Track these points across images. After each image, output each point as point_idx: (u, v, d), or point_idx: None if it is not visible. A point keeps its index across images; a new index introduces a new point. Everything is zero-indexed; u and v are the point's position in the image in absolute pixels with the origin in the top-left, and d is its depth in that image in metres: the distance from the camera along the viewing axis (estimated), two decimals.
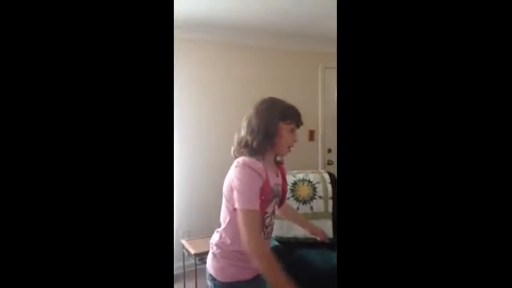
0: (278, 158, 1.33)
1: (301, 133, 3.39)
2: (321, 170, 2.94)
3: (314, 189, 2.43)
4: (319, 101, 3.46)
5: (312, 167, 3.30)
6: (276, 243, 2.03)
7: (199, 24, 2.76)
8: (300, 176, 2.51)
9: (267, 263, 1.10)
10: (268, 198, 1.19)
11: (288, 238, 2.29)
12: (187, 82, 2.91)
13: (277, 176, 1.28)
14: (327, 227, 2.31)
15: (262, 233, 1.20)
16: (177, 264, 2.85)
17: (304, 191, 2.43)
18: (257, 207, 1.12)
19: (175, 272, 2.84)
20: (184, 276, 2.66)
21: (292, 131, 1.22)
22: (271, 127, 1.18)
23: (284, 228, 2.27)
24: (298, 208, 2.36)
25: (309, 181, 2.47)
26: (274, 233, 1.96)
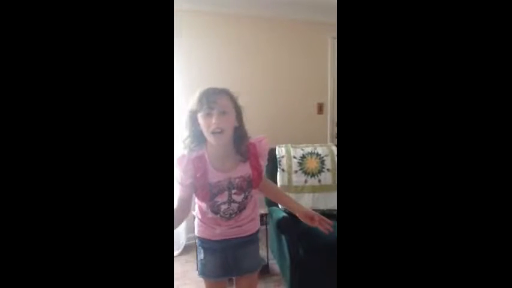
0: (245, 148, 1.27)
1: (310, 106, 3.40)
2: (329, 143, 2.94)
3: (322, 162, 2.45)
4: (328, 73, 3.40)
5: (320, 140, 3.30)
6: (284, 214, 2.07)
7: None
8: (308, 149, 2.53)
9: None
10: (206, 193, 1.24)
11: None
12: (189, 56, 2.89)
13: (233, 169, 1.25)
14: (335, 199, 2.35)
15: (219, 216, 1.31)
16: (189, 235, 2.95)
17: (312, 164, 2.45)
18: (183, 194, 1.26)
19: (187, 243, 2.95)
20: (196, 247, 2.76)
21: (206, 116, 1.16)
22: (190, 121, 1.22)
23: None
24: (306, 181, 2.39)
25: (317, 154, 2.48)
26: (282, 206, 2.01)
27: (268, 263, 2.55)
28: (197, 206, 1.38)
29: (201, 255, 1.39)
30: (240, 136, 1.25)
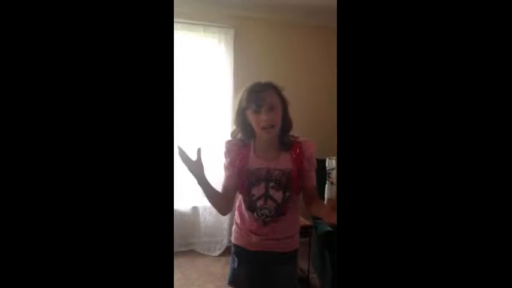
0: (289, 139, 1.28)
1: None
2: None
3: None
4: None
5: None
6: (329, 228, 2.02)
7: None
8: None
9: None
10: (243, 180, 1.26)
11: None
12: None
13: (275, 160, 1.26)
14: None
15: (255, 215, 1.28)
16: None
17: None
18: (227, 183, 1.30)
19: (230, 244, 2.99)
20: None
21: (255, 113, 1.20)
22: (237, 117, 1.27)
23: None
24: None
25: None
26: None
27: (309, 276, 2.49)
28: (236, 212, 1.37)
29: (235, 264, 1.36)
30: (284, 126, 1.26)
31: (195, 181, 1.22)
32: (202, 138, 2.88)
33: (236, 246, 1.37)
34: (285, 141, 1.29)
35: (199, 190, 1.24)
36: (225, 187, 1.31)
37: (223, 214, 1.35)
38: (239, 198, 1.35)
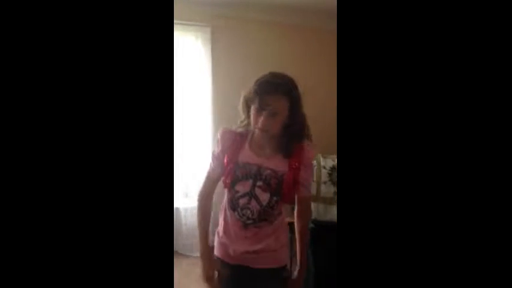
0: (294, 145, 1.15)
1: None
2: None
3: None
4: None
5: None
6: (311, 225, 2.03)
7: None
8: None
9: (200, 222, 1.25)
10: (229, 171, 1.15)
11: (325, 221, 2.28)
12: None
13: (271, 157, 1.15)
14: None
15: (236, 214, 1.16)
16: (214, 238, 2.97)
17: None
18: (213, 174, 1.21)
19: (214, 245, 2.97)
20: None
21: (256, 112, 1.08)
22: (244, 108, 1.15)
23: (320, 211, 2.26)
24: (335, 192, 2.33)
25: None
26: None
27: (291, 273, 2.50)
28: (220, 217, 1.25)
29: (216, 278, 1.25)
30: (291, 133, 1.14)
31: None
32: (181, 135, 2.87)
33: (217, 258, 1.26)
34: (287, 147, 1.14)
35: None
36: (208, 178, 1.22)
37: (202, 211, 1.27)
38: (223, 203, 1.23)
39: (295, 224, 1.28)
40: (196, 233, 3.16)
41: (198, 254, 3.13)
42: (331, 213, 2.19)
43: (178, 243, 3.00)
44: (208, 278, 1.22)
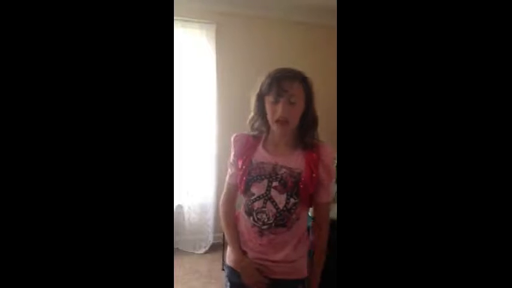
0: (310, 138, 1.12)
1: None
2: None
3: None
4: None
5: None
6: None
7: None
8: None
9: (225, 231, 1.20)
10: (244, 172, 1.11)
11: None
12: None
13: (287, 154, 1.11)
14: None
15: (252, 219, 1.10)
16: (216, 235, 2.98)
17: None
18: (231, 180, 1.19)
19: (215, 242, 2.98)
20: (223, 245, 2.78)
21: (273, 103, 1.05)
22: (257, 103, 1.11)
23: None
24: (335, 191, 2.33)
25: None
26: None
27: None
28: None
29: None
30: (304, 124, 1.10)
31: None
32: (186, 134, 2.87)
33: (228, 268, 1.18)
34: (304, 140, 1.11)
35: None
36: (228, 185, 1.20)
37: (225, 216, 1.22)
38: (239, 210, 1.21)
39: (311, 234, 1.21)
40: (200, 229, 3.17)
41: (201, 251, 3.14)
42: (332, 211, 2.19)
43: (181, 240, 3.00)
44: (255, 284, 1.12)
